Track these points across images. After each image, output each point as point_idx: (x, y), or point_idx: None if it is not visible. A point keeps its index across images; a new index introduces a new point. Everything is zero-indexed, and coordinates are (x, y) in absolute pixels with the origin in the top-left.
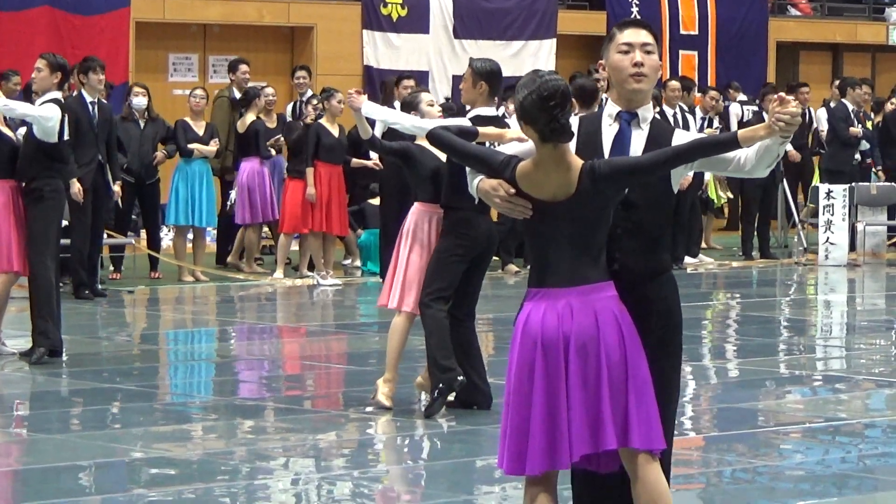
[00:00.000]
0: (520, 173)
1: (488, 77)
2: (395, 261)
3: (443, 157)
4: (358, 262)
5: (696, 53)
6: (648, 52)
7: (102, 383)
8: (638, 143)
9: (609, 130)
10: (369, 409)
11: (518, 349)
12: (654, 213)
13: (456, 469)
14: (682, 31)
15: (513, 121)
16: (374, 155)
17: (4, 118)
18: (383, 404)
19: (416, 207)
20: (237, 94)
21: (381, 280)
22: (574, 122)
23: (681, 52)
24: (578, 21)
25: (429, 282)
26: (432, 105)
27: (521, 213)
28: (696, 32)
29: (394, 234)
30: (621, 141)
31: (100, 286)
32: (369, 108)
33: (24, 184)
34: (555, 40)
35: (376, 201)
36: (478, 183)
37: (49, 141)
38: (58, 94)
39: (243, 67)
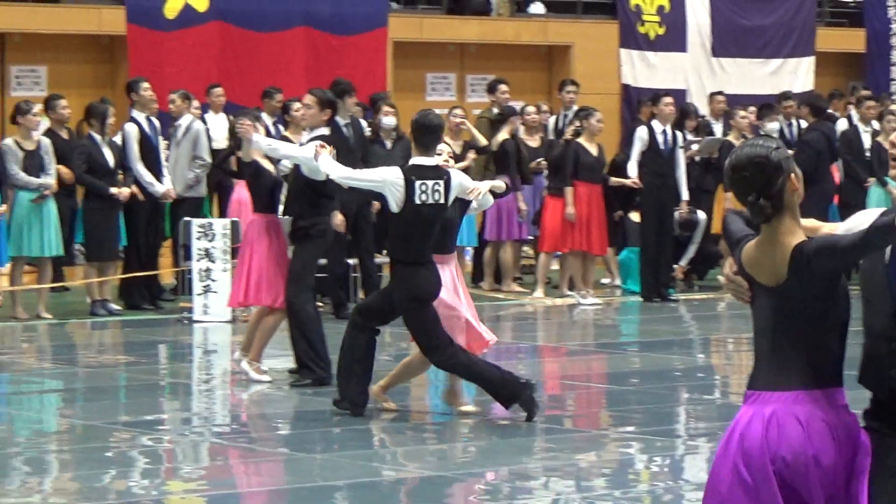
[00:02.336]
0: (745, 251)
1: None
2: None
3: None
4: (618, 281)
5: None
6: None
7: None
8: None
9: None
10: (630, 428)
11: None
12: None
13: None
14: None
15: None
16: (632, 173)
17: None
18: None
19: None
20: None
21: (641, 299)
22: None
23: None
24: (837, 38)
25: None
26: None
27: (739, 296)
28: None
29: (655, 252)
30: None
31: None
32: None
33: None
34: (813, 58)
35: (636, 218)
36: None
37: (317, 178)
38: (325, 131)
39: (502, 87)
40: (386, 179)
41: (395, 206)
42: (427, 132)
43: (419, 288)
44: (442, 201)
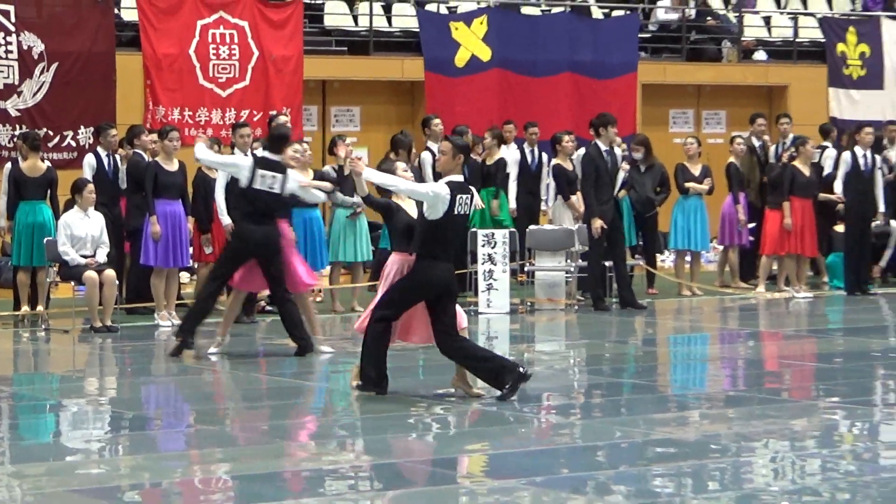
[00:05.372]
0: None
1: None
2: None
3: (415, 213)
4: (826, 279)
5: None
6: None
7: (614, 378)
8: None
9: None
10: (835, 399)
11: None
12: None
13: None
14: None
15: None
16: (838, 189)
17: None
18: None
19: (393, 257)
20: (755, 143)
21: (845, 294)
22: None
23: None
24: None
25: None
26: (406, 171)
27: None
28: None
29: (857, 256)
30: None
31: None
32: (369, 173)
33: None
34: None
35: (840, 229)
36: None
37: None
38: (460, 178)
39: (760, 121)
40: (440, 194)
41: (438, 214)
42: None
43: (433, 280)
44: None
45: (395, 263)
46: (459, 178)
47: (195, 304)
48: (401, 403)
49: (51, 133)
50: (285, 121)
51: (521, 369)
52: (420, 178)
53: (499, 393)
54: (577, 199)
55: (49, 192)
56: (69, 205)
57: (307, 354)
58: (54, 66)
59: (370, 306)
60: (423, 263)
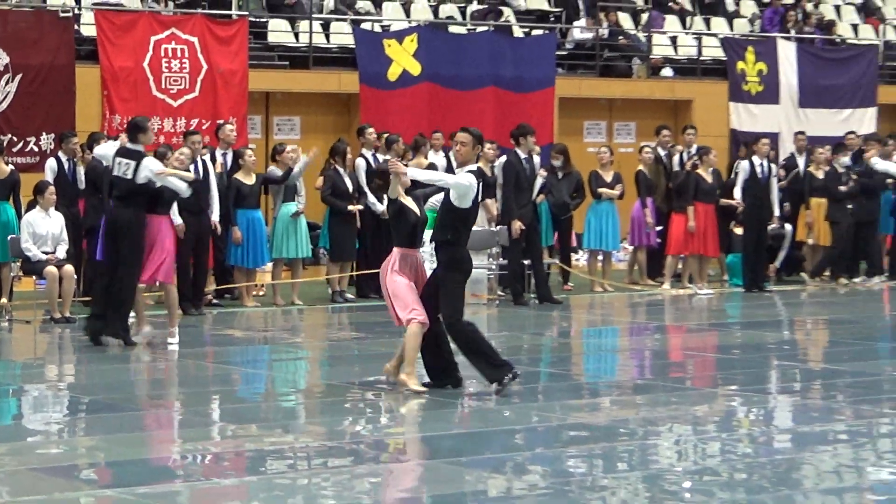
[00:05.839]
0: None
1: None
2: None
3: (417, 211)
4: (726, 277)
5: None
6: None
7: (532, 367)
8: None
9: None
10: (734, 386)
11: None
12: None
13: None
14: None
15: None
16: (737, 195)
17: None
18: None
19: (397, 251)
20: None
21: (743, 290)
22: None
23: None
24: (894, 93)
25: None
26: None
27: None
28: None
29: (754, 256)
30: None
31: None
32: (413, 172)
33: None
34: (875, 108)
35: (739, 231)
36: None
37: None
38: (475, 167)
39: (666, 132)
40: (473, 184)
41: (468, 203)
42: None
43: (466, 263)
44: None
45: (398, 256)
46: (475, 167)
47: (113, 304)
48: (337, 390)
49: (14, 139)
50: (231, 129)
51: (515, 370)
52: (357, 183)
53: (493, 386)
54: (491, 202)
55: (12, 193)
56: (31, 205)
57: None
58: (18, 77)
59: (405, 304)
60: (456, 251)
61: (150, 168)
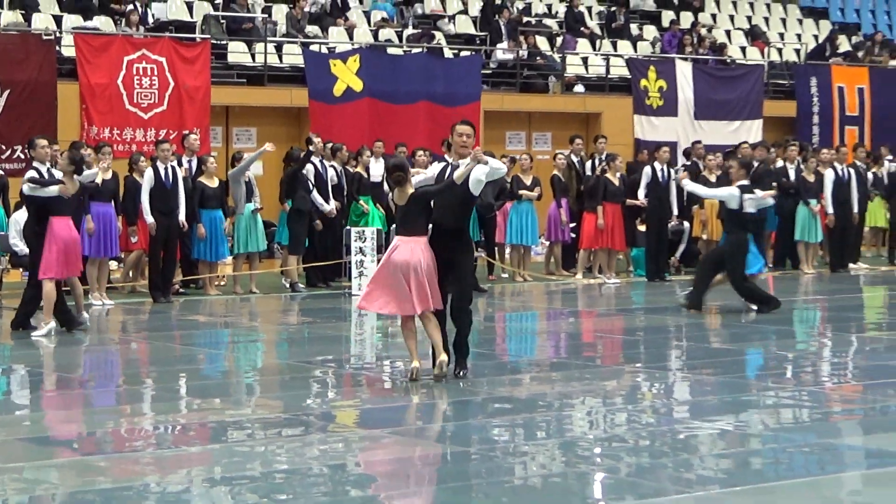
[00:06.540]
0: None
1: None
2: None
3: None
4: (631, 268)
5: (857, 128)
6: None
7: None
8: None
9: None
10: (638, 364)
11: None
12: None
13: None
14: (847, 113)
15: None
16: (641, 196)
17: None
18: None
19: (405, 239)
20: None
21: (646, 280)
22: None
23: (846, 127)
24: (777, 107)
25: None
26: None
27: None
28: (857, 114)
29: (656, 250)
30: None
31: None
32: (493, 162)
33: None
34: (761, 120)
35: (643, 228)
36: None
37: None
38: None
39: (577, 141)
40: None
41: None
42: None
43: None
44: None
45: (407, 243)
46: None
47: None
48: (291, 368)
49: (3, 147)
50: (195, 138)
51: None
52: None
53: (455, 368)
54: None
55: (2, 194)
56: (19, 206)
57: (74, 328)
58: (7, 92)
59: (435, 291)
60: (469, 238)
61: (25, 179)
